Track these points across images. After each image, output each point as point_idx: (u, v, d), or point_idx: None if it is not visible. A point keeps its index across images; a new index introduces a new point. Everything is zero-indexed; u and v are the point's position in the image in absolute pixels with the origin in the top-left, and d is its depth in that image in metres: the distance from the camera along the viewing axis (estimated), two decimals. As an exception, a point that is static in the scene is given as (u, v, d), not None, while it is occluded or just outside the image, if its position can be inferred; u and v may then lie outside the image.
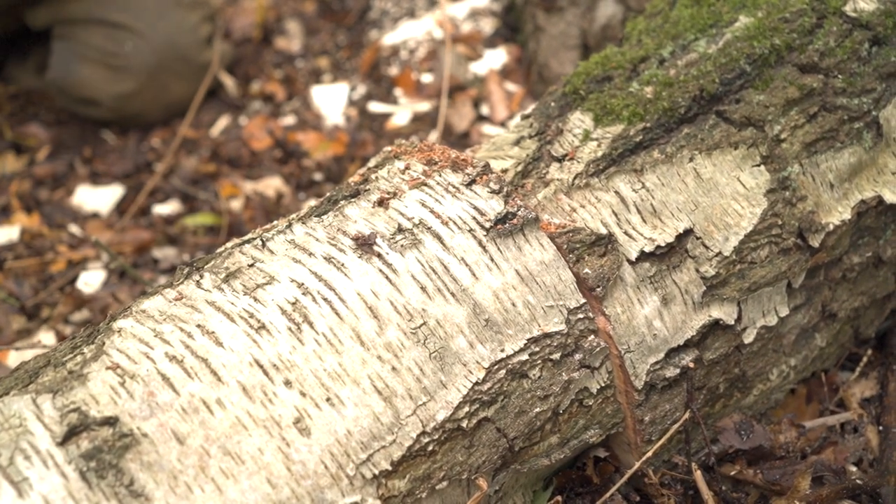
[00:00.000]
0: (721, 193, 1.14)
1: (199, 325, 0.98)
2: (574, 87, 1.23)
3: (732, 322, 1.14)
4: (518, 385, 1.03)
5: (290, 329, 0.98)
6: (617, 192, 1.13)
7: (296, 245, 1.04)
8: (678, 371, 1.11)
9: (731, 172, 1.15)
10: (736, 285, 1.13)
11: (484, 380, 1.01)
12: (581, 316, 1.06)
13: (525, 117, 1.25)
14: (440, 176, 1.09)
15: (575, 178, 1.13)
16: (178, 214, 1.97)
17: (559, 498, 1.09)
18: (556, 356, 1.05)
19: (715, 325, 1.13)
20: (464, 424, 1.00)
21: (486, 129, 1.97)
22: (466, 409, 1.00)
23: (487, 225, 1.05)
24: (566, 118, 1.20)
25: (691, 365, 1.12)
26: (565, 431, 1.08)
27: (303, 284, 1.00)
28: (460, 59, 2.13)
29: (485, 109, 2.04)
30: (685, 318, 1.12)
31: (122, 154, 2.13)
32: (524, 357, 1.03)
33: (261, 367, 0.96)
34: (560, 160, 1.16)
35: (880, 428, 1.25)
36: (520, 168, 1.16)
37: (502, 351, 1.02)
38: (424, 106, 2.09)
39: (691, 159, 1.15)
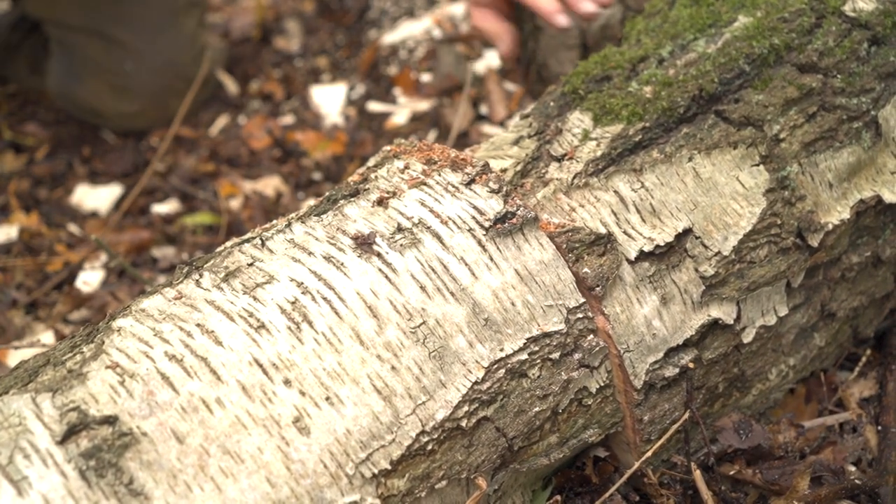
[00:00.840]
0: (720, 193, 1.14)
1: (198, 325, 0.98)
2: (573, 86, 1.23)
3: (731, 321, 1.14)
4: (517, 384, 1.03)
5: (289, 328, 0.98)
6: (616, 192, 1.12)
7: (295, 244, 1.04)
8: (677, 370, 1.11)
9: (730, 172, 1.15)
10: (735, 285, 1.13)
11: (483, 379, 1.01)
12: (580, 315, 1.06)
13: (524, 117, 1.25)
14: (439, 175, 1.09)
15: (574, 177, 1.13)
16: (177, 214, 1.97)
17: (558, 497, 1.09)
18: (556, 356, 1.05)
19: (714, 325, 1.13)
20: (463, 424, 1.00)
21: (486, 128, 1.97)
22: (466, 408, 1.00)
23: (487, 224, 1.05)
24: (565, 118, 1.19)
25: (690, 365, 1.12)
26: (564, 431, 1.08)
27: (302, 284, 1.00)
28: (459, 58, 2.14)
29: (484, 109, 2.04)
30: (684, 318, 1.12)
31: (121, 153, 2.13)
32: (523, 356, 1.03)
33: (260, 366, 0.96)
34: (559, 160, 1.15)
35: (879, 428, 1.25)
36: (519, 168, 1.16)
37: (501, 350, 1.02)
38: (423, 105, 2.09)
39: (690, 159, 1.15)
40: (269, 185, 1.98)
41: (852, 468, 1.20)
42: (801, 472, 1.16)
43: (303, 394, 0.95)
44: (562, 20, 1.29)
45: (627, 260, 1.09)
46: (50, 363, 0.98)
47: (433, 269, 1.03)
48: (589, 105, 1.19)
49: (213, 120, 2.20)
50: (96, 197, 2.03)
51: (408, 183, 1.09)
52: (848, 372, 1.35)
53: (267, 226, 1.09)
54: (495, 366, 1.02)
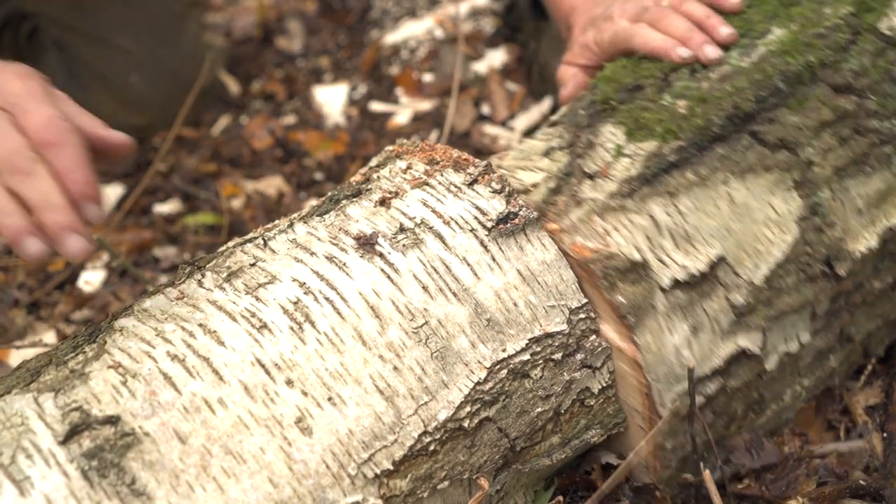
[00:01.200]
0: (753, 219, 1.11)
1: (200, 325, 0.98)
2: (605, 95, 1.19)
3: (758, 351, 1.11)
4: (520, 385, 1.03)
5: (291, 328, 0.98)
6: (651, 216, 1.08)
7: (297, 244, 1.04)
8: (703, 399, 1.09)
9: (763, 197, 1.11)
10: (763, 313, 1.10)
11: (486, 379, 1.01)
12: (583, 316, 1.06)
13: (553, 125, 1.21)
14: (442, 175, 1.09)
15: (609, 198, 1.09)
16: (178, 213, 1.97)
17: (560, 498, 1.09)
18: (558, 356, 1.05)
19: (741, 354, 1.10)
20: (465, 424, 1.00)
21: (488, 128, 1.97)
22: (468, 408, 1.00)
23: (489, 224, 1.05)
24: (597, 130, 1.15)
25: (713, 394, 1.09)
26: (567, 431, 1.08)
27: (304, 284, 1.00)
28: (461, 58, 2.13)
29: (485, 109, 2.04)
30: (712, 347, 1.09)
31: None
32: (526, 357, 1.03)
33: (262, 366, 0.96)
34: (592, 177, 1.11)
35: (884, 435, 1.24)
36: (551, 184, 1.12)
37: (504, 351, 1.02)
38: (425, 105, 2.09)
39: (725, 182, 1.11)
40: (271, 185, 1.98)
41: (858, 472, 1.19)
42: (805, 476, 1.15)
43: (305, 394, 0.95)
44: (682, 52, 1.18)
45: (660, 288, 1.06)
46: (52, 363, 0.98)
47: (435, 270, 1.03)
48: (622, 118, 1.15)
49: (215, 120, 2.20)
50: (98, 197, 2.03)
51: (410, 183, 1.09)
52: (853, 380, 1.34)
53: (269, 226, 1.09)
54: (497, 366, 1.02)
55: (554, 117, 1.23)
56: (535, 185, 1.12)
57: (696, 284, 1.08)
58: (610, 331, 1.06)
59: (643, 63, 1.22)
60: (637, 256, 1.06)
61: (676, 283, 1.07)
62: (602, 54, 1.30)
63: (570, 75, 1.34)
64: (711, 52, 1.19)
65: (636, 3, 1.29)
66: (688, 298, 1.07)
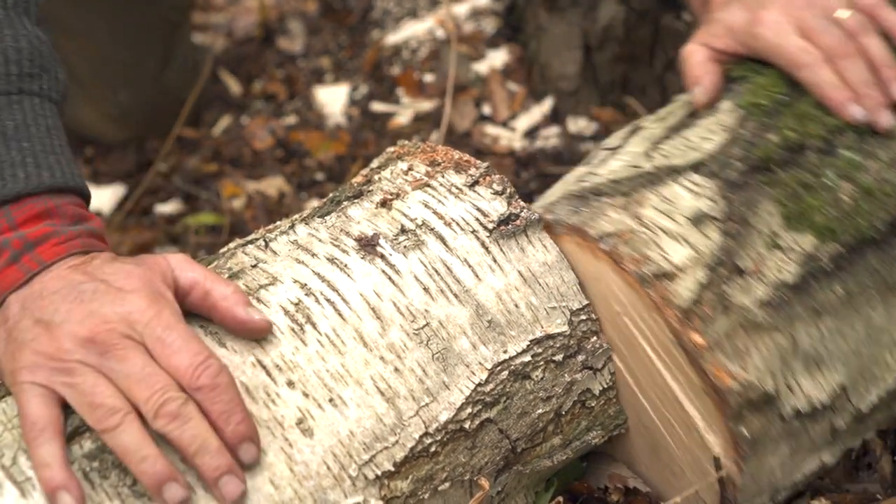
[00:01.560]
0: (879, 342, 1.03)
1: (201, 326, 0.98)
2: (766, 153, 1.06)
3: (834, 460, 1.07)
4: (521, 386, 1.03)
5: (292, 330, 0.98)
6: (793, 336, 0.99)
7: (299, 246, 1.04)
8: None
9: (893, 317, 1.03)
10: (854, 430, 1.06)
11: (487, 381, 1.01)
12: (584, 317, 1.06)
13: (697, 168, 1.07)
14: (443, 177, 1.09)
15: (758, 307, 0.99)
16: (180, 214, 1.97)
17: (560, 499, 1.09)
18: (559, 357, 1.05)
19: (821, 467, 1.07)
20: (466, 425, 1.00)
21: (488, 129, 1.98)
22: (469, 410, 1.00)
23: (490, 226, 1.05)
24: (754, 205, 1.03)
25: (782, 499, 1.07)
26: (568, 433, 1.08)
27: (305, 285, 1.00)
28: (462, 58, 2.14)
29: (486, 109, 2.04)
30: (801, 464, 1.04)
31: (123, 154, 2.13)
32: (527, 358, 1.03)
33: (263, 367, 0.96)
34: (742, 273, 1.00)
35: (894, 458, 1.23)
36: (700, 275, 0.99)
37: (505, 352, 1.02)
38: (426, 105, 2.09)
39: (868, 303, 1.02)
40: (272, 185, 1.98)
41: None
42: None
43: (306, 395, 0.95)
44: (856, 113, 1.05)
45: (780, 417, 1.00)
46: (53, 364, 0.97)
47: (436, 271, 1.03)
48: (780, 194, 1.03)
49: (216, 120, 2.20)
50: (99, 197, 2.03)
51: (411, 184, 1.09)
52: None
53: (270, 227, 1.09)
54: (498, 367, 1.02)
55: (698, 155, 1.08)
56: (681, 270, 1.00)
57: (814, 414, 1.01)
58: (716, 444, 1.01)
59: (808, 110, 1.09)
60: (770, 386, 0.98)
61: (797, 414, 1.00)
62: (748, 51, 1.14)
63: (703, 66, 1.15)
64: (886, 120, 1.07)
65: (807, 6, 1.11)
66: (801, 427, 1.01)
